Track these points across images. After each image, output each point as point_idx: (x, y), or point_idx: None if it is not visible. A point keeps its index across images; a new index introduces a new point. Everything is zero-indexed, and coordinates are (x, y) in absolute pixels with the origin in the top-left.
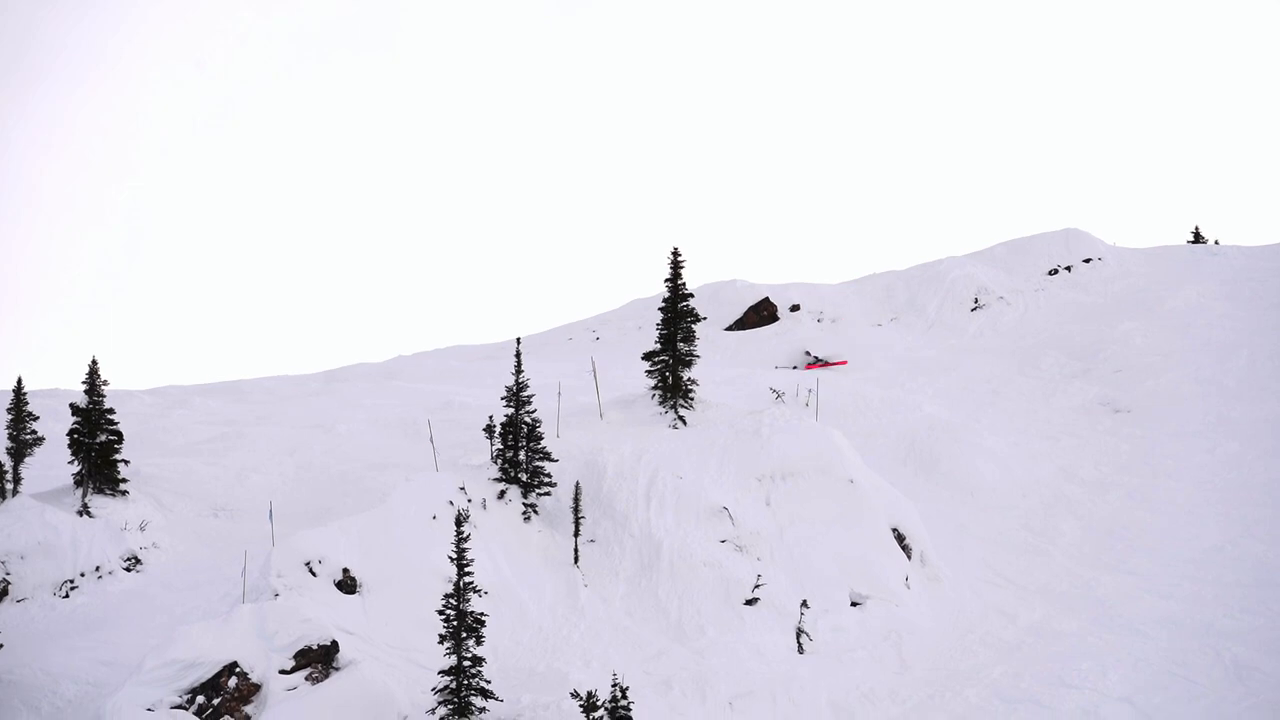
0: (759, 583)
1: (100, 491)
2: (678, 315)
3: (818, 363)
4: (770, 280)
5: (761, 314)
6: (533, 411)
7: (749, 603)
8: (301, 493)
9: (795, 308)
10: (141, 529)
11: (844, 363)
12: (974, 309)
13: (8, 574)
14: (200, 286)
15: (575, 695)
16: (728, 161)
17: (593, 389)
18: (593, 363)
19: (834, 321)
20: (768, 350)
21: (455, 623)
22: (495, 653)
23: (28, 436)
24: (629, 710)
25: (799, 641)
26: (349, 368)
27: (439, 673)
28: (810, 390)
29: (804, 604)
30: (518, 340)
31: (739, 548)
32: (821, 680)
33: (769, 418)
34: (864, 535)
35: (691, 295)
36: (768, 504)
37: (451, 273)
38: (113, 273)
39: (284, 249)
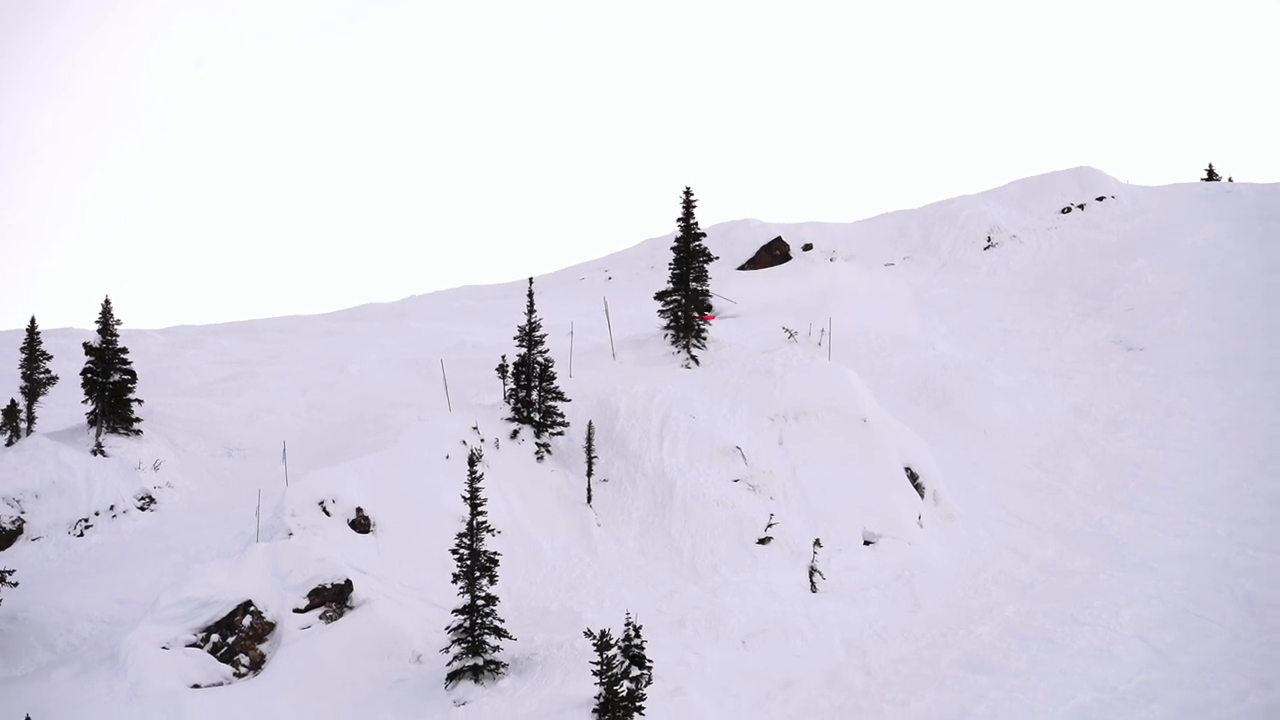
0: (772, 522)
1: (114, 431)
2: (690, 255)
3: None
4: (783, 219)
5: (774, 253)
6: (545, 351)
7: (762, 542)
8: (314, 432)
9: (808, 247)
10: (155, 468)
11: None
12: (987, 247)
13: (22, 513)
14: (213, 225)
15: (589, 634)
16: (740, 99)
17: (605, 329)
18: (605, 302)
19: (847, 260)
20: (781, 289)
21: (468, 562)
22: (509, 592)
23: (41, 376)
24: (642, 648)
25: (812, 580)
26: (362, 307)
27: (453, 611)
28: (823, 330)
29: (817, 543)
30: (530, 280)
31: (752, 487)
32: (834, 618)
33: (782, 357)
34: (877, 474)
35: (704, 235)
36: (780, 443)
37: (464, 213)
38: (125, 212)
39: (296, 188)
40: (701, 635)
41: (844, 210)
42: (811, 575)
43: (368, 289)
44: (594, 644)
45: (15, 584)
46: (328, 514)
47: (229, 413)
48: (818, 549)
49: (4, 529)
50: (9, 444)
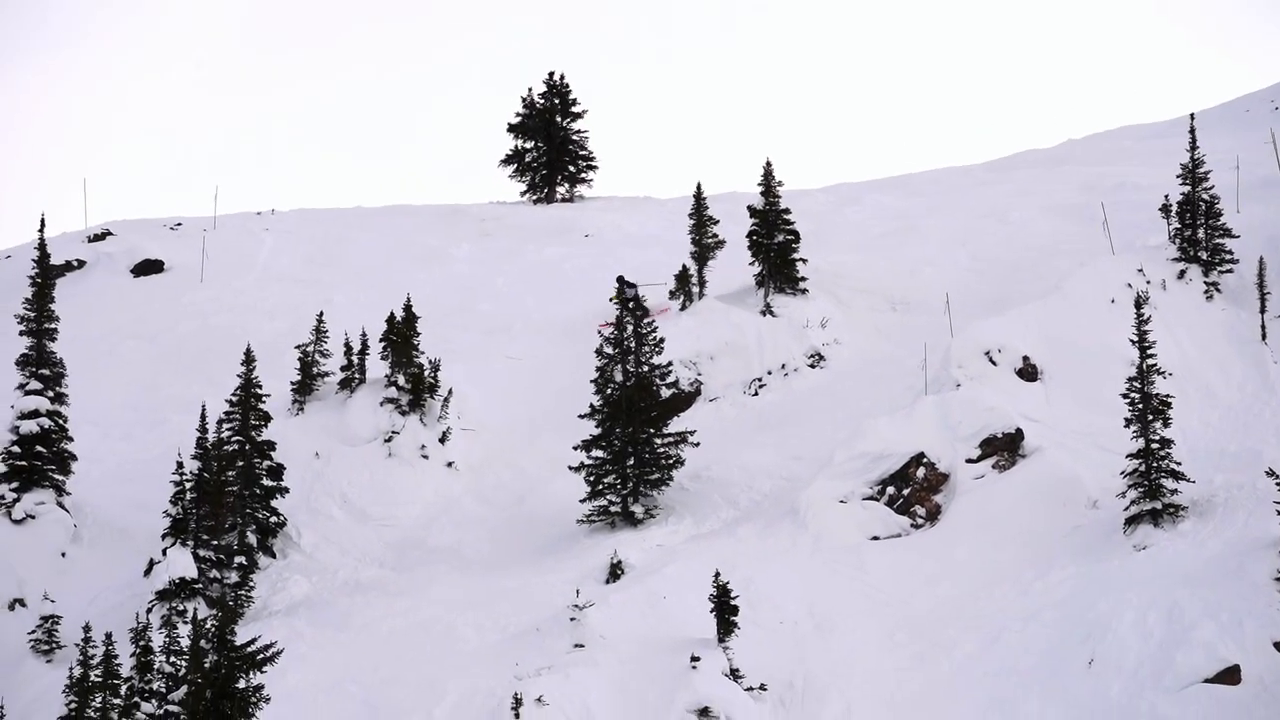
0: None
1: (780, 290)
2: None
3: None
4: None
5: None
6: (1210, 188)
7: None
8: (975, 283)
9: None
10: (822, 326)
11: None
12: None
13: (699, 375)
14: (861, 77)
15: (1270, 473)
16: None
17: (1274, 162)
18: (1272, 135)
19: None
20: None
21: (1140, 405)
22: (1183, 434)
23: (709, 240)
24: None
25: None
26: (1016, 155)
27: (1126, 456)
28: None
29: None
30: (1191, 116)
31: None
32: None
33: None
34: None
35: None
36: None
37: (1120, 50)
38: (776, 67)
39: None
40: None
41: None
42: None
43: (1021, 136)
44: (1277, 483)
45: (697, 444)
46: (994, 364)
47: (890, 267)
48: None
49: (684, 391)
50: (683, 308)
